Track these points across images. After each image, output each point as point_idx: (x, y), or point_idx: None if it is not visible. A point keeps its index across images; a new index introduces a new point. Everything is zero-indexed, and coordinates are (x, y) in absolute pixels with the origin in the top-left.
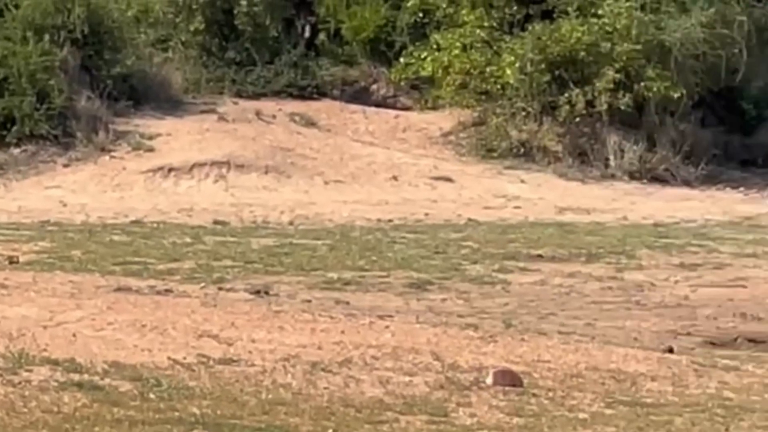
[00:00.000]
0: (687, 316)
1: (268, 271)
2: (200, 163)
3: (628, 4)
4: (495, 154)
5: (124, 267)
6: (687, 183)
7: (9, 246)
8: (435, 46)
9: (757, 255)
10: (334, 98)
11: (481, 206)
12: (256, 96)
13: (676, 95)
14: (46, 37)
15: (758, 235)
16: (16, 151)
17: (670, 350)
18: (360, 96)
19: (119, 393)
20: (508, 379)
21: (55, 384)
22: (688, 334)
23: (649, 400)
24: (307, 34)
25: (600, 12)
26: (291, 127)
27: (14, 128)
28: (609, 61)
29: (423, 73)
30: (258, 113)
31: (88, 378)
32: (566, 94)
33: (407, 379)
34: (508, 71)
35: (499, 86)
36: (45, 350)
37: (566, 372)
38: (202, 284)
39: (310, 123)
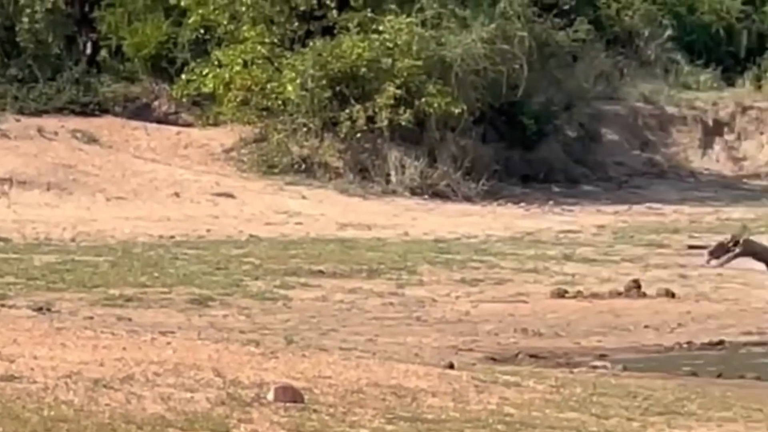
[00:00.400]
0: (468, 332)
1: (51, 287)
2: None
3: (408, 20)
4: (276, 170)
5: None
6: (468, 199)
7: None
8: (216, 63)
9: (537, 270)
10: (116, 115)
11: (262, 222)
12: (39, 113)
13: (456, 111)
14: None
15: (539, 251)
16: None
17: (451, 366)
18: (142, 112)
19: None
20: (289, 395)
21: None
22: (470, 349)
23: (430, 416)
24: (89, 50)
25: (381, 28)
26: (73, 143)
27: None
28: (390, 77)
29: (204, 90)
30: (40, 130)
31: None
32: (347, 110)
33: (189, 395)
34: (289, 87)
35: (280, 102)
36: None
37: (347, 388)
38: None
39: (92, 140)
